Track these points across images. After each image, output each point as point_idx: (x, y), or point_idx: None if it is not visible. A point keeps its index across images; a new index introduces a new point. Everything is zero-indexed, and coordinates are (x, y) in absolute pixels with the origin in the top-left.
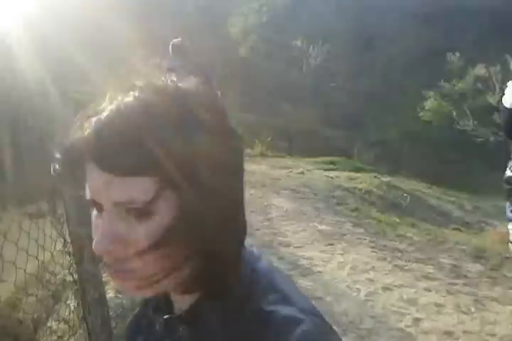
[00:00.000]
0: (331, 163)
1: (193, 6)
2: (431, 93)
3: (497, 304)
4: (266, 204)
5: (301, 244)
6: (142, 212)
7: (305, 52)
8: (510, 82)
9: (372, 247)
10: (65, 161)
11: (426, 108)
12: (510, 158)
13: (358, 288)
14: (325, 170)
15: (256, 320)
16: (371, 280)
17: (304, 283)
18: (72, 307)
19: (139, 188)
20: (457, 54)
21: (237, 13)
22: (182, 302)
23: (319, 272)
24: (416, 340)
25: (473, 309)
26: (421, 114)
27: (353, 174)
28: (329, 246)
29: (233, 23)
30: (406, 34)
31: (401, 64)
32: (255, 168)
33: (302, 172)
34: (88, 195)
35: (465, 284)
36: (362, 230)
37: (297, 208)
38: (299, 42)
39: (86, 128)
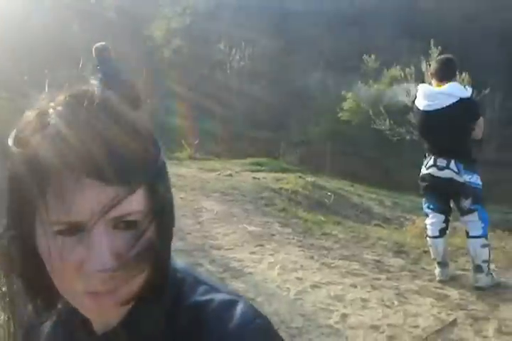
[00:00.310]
0: (258, 164)
1: (115, 9)
2: (349, 94)
3: (418, 296)
4: (196, 207)
5: (231, 246)
6: (131, 224)
7: (228, 54)
8: (421, 85)
9: (300, 246)
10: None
11: (344, 108)
12: (425, 156)
13: (287, 288)
14: (252, 171)
15: (194, 312)
16: (300, 279)
17: (235, 284)
18: (1, 321)
19: (133, 199)
20: (373, 56)
21: (160, 16)
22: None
23: (250, 273)
24: (344, 336)
25: (396, 302)
26: (340, 114)
27: (280, 175)
28: (259, 247)
29: (156, 26)
30: (324, 36)
31: (321, 66)
32: (185, 172)
33: (230, 175)
34: (65, 217)
35: (388, 278)
36: (290, 230)
37: (227, 210)
38: (221, 46)
39: (55, 136)
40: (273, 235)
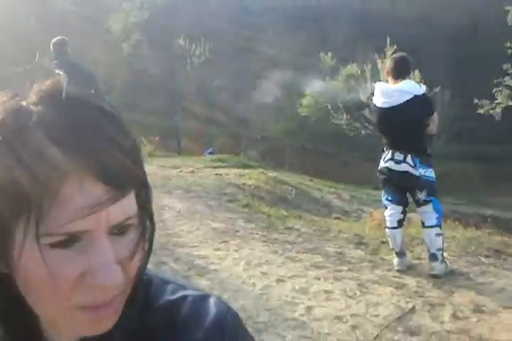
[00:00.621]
0: (220, 160)
1: (71, 2)
2: (308, 91)
3: (378, 286)
4: (159, 205)
5: (196, 243)
6: (123, 230)
7: (188, 50)
8: (377, 82)
9: (264, 241)
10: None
11: (303, 104)
12: (383, 151)
13: (253, 283)
14: (214, 167)
15: (168, 311)
16: (265, 274)
17: (200, 282)
18: None
19: (130, 202)
20: (329, 54)
21: (118, 9)
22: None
23: (215, 270)
24: (310, 328)
25: (358, 293)
26: (300, 110)
27: (242, 171)
28: (223, 244)
29: (115, 19)
30: (282, 34)
31: (279, 62)
32: (145, 169)
33: (193, 171)
34: (64, 228)
35: (349, 270)
36: (253, 225)
37: (190, 207)
38: (181, 41)
39: (41, 140)
40: (237, 231)
